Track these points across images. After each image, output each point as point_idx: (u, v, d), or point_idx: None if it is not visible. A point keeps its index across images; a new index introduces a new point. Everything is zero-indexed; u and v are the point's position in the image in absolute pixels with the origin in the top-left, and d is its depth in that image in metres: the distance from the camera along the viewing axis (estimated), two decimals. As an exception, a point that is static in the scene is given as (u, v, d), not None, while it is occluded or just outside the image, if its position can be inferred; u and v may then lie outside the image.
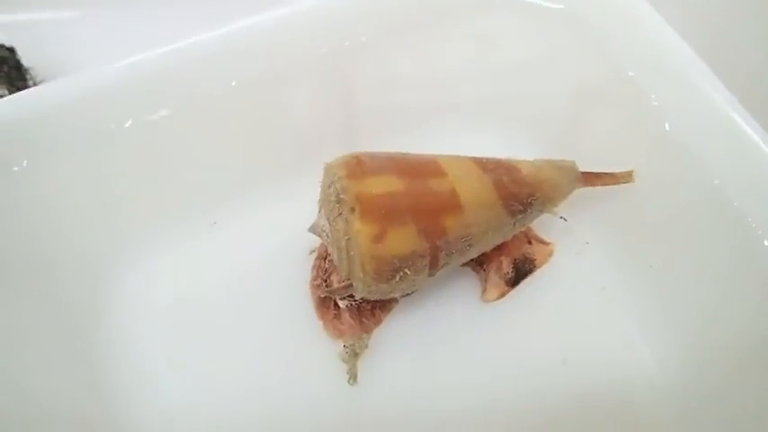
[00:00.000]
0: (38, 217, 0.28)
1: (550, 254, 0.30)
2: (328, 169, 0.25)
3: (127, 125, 0.28)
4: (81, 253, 0.29)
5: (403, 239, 0.23)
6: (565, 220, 0.29)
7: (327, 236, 0.25)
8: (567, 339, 0.28)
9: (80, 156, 0.28)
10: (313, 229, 0.26)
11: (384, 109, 0.32)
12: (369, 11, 0.30)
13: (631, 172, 0.28)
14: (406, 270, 0.24)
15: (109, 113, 0.28)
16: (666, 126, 0.27)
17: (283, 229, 0.30)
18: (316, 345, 0.28)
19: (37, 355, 0.26)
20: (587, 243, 0.30)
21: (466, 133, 0.31)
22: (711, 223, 0.25)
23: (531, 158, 0.28)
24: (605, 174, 0.28)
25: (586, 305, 0.29)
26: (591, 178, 0.28)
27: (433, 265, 0.25)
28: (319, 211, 0.26)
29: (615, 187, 0.29)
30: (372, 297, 0.25)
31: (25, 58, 0.38)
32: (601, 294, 0.29)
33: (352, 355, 0.27)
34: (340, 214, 0.24)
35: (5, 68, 0.37)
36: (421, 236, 0.24)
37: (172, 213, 0.31)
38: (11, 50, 0.38)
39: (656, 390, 0.27)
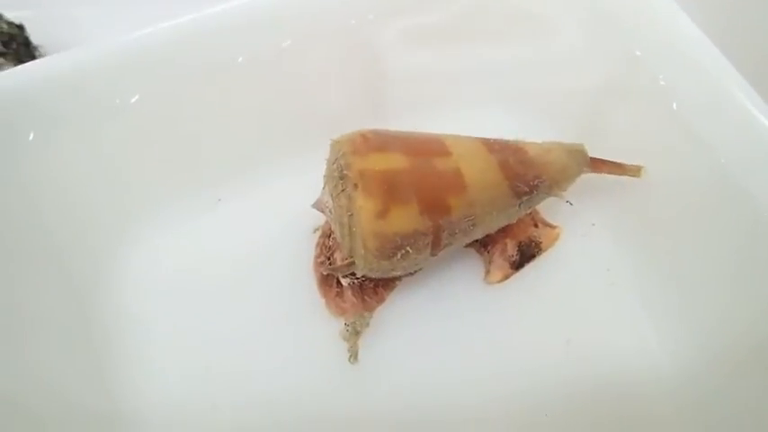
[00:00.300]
0: (42, 190, 0.28)
1: (556, 237, 0.30)
2: (334, 145, 0.25)
3: (133, 100, 0.28)
4: (84, 228, 0.29)
5: (405, 217, 0.23)
6: (571, 204, 0.29)
7: (330, 212, 0.25)
8: (571, 320, 0.28)
9: (86, 130, 0.28)
10: (317, 205, 0.26)
11: (395, 89, 0.32)
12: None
13: (640, 168, 0.28)
14: (408, 248, 0.24)
15: (115, 88, 0.28)
16: (674, 106, 0.26)
17: (288, 206, 0.30)
18: (318, 323, 0.28)
19: (36, 331, 0.26)
20: (593, 225, 0.30)
21: (472, 109, 0.31)
22: (718, 205, 0.25)
23: (540, 141, 0.27)
24: (614, 162, 0.28)
25: (591, 287, 0.29)
26: (599, 165, 0.28)
27: (436, 245, 0.25)
28: (324, 188, 0.26)
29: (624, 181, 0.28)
30: (374, 275, 0.25)
31: (34, 36, 0.38)
32: (605, 276, 0.29)
33: (354, 333, 0.27)
34: (343, 190, 0.24)
35: (14, 45, 0.37)
36: (424, 214, 0.24)
37: (176, 190, 0.30)
38: (20, 27, 0.38)
39: (658, 371, 0.27)
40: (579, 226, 0.30)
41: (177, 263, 0.30)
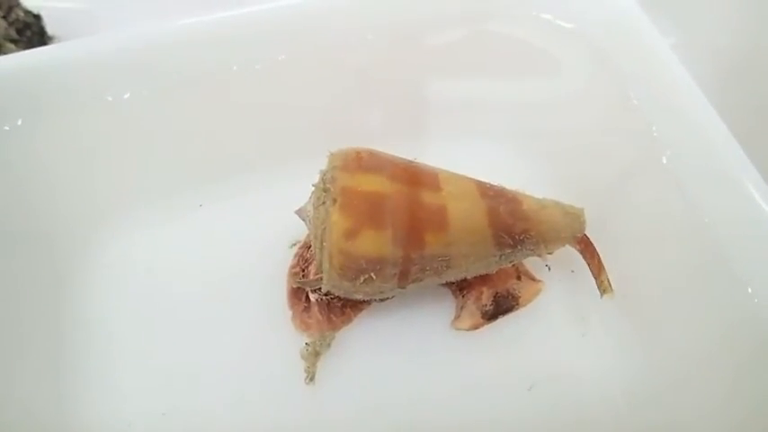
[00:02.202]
0: (24, 176, 0.28)
1: (537, 293, 0.28)
2: (329, 157, 0.25)
3: (125, 97, 0.29)
4: (61, 220, 0.29)
5: (375, 242, 0.23)
6: (549, 269, 0.28)
7: (310, 222, 0.25)
8: (538, 366, 0.27)
9: (75, 122, 0.28)
10: (299, 212, 0.26)
11: (387, 111, 0.32)
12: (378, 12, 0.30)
13: (611, 292, 0.26)
14: (372, 274, 0.23)
15: (107, 84, 0.28)
16: (664, 160, 0.26)
17: (268, 217, 0.30)
18: (283, 339, 0.27)
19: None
20: (572, 271, 0.29)
21: (461, 140, 0.31)
22: (698, 263, 0.25)
23: (540, 195, 0.27)
24: (599, 260, 0.27)
25: (562, 334, 0.28)
26: (587, 247, 0.27)
27: (404, 277, 0.24)
28: (310, 196, 0.26)
29: (604, 216, 0.28)
30: (337, 293, 0.25)
31: (51, 26, 0.39)
32: (579, 324, 0.28)
33: (313, 354, 0.27)
34: (324, 203, 0.24)
35: (28, 33, 0.37)
36: (396, 243, 0.23)
37: (158, 192, 0.31)
38: (37, 17, 0.39)
39: (619, 420, 0.26)
40: (558, 272, 0.29)
41: (149, 265, 0.30)
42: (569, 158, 0.31)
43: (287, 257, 0.29)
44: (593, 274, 0.27)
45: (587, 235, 0.27)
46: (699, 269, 0.25)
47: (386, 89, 0.32)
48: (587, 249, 0.27)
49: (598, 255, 0.27)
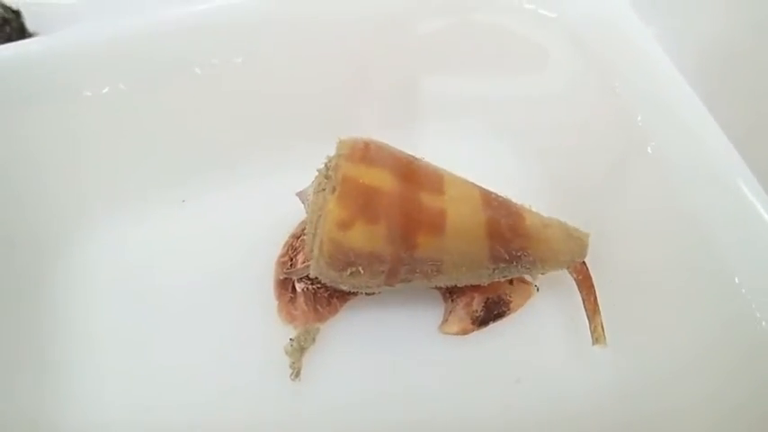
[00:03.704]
0: (2, 174, 0.28)
1: (529, 296, 0.28)
2: (338, 144, 0.25)
3: (105, 91, 0.28)
4: (41, 218, 0.29)
5: (367, 236, 0.23)
6: (537, 289, 0.28)
7: (308, 207, 0.25)
8: (524, 359, 0.27)
9: (53, 117, 0.28)
10: (300, 195, 0.26)
11: (375, 104, 0.32)
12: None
13: (604, 340, 0.25)
14: (360, 268, 0.23)
15: (90, 76, 0.28)
16: (649, 150, 0.26)
17: (252, 213, 0.29)
18: (269, 334, 0.27)
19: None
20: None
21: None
22: (685, 255, 0.25)
23: (546, 214, 0.26)
24: (595, 298, 0.26)
25: (550, 330, 0.28)
26: (584, 278, 0.26)
27: (392, 276, 0.24)
28: (313, 180, 0.26)
29: (590, 208, 0.28)
30: (324, 281, 0.24)
31: (32, 23, 0.38)
32: (567, 324, 0.27)
33: (297, 350, 0.26)
34: (323, 189, 0.24)
35: (7, 29, 0.37)
36: (388, 241, 0.23)
37: (140, 186, 0.30)
38: (16, 13, 0.38)
39: (608, 411, 0.26)
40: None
41: (132, 261, 0.29)
42: (552, 148, 0.31)
43: (271, 253, 0.29)
44: (587, 314, 0.26)
45: (587, 265, 0.26)
46: (685, 260, 0.25)
47: (372, 81, 0.31)
48: (584, 281, 0.26)
49: (595, 292, 0.26)
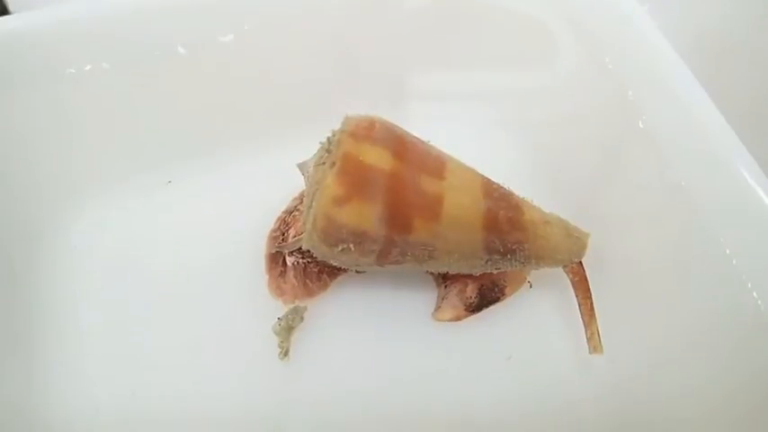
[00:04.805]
0: None
1: (523, 282, 0.28)
2: (344, 119, 0.25)
3: (87, 69, 0.28)
4: (25, 200, 0.28)
5: (361, 215, 0.23)
6: (530, 285, 0.27)
7: (307, 179, 0.25)
8: (514, 337, 0.27)
9: (34, 95, 0.28)
10: (301, 166, 0.26)
11: (367, 89, 0.31)
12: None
13: (600, 350, 0.25)
14: (351, 245, 0.23)
15: (72, 54, 0.28)
16: (640, 124, 0.26)
17: (239, 193, 0.29)
18: (257, 315, 0.27)
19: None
20: None
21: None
22: (678, 229, 0.24)
23: (548, 209, 0.26)
24: (592, 304, 0.25)
25: (540, 307, 0.28)
26: (581, 280, 0.25)
27: (383, 256, 0.24)
28: (316, 152, 0.26)
29: (580, 182, 0.28)
30: (315, 254, 0.25)
31: (15, 5, 0.37)
32: (558, 301, 0.28)
33: (285, 329, 0.26)
34: (323, 163, 0.24)
35: None
36: (381, 222, 0.23)
37: (126, 166, 0.30)
38: None
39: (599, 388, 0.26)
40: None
41: (117, 244, 0.29)
42: (543, 124, 0.31)
43: (257, 234, 0.29)
44: (583, 321, 0.25)
45: (584, 267, 0.25)
46: (678, 234, 0.24)
47: (362, 63, 0.31)
48: (581, 284, 0.25)
49: (591, 297, 0.25)
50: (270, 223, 0.29)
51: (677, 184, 0.24)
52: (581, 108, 0.30)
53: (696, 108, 0.25)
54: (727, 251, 0.22)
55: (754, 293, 0.21)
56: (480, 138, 0.31)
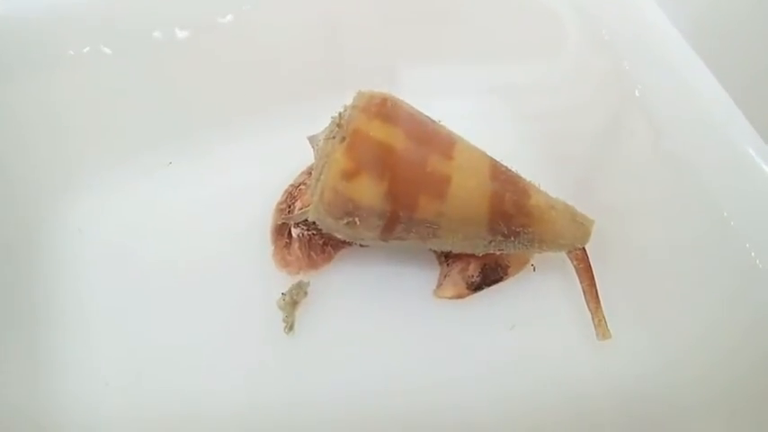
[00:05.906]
0: None
1: (526, 262, 0.28)
2: (356, 95, 0.25)
3: (85, 51, 0.28)
4: (24, 183, 0.28)
5: (368, 190, 0.23)
6: (534, 269, 0.28)
7: (317, 152, 0.25)
8: (519, 308, 0.28)
9: (33, 78, 0.28)
10: (311, 139, 0.26)
11: (364, 73, 0.30)
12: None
13: (608, 334, 0.25)
14: (357, 219, 0.23)
15: (69, 39, 0.28)
16: (636, 93, 0.27)
17: (239, 173, 0.29)
18: (261, 291, 0.27)
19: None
20: None
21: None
22: (676, 197, 0.25)
23: (554, 194, 0.26)
24: (596, 289, 0.25)
25: (545, 284, 0.28)
26: (585, 267, 0.25)
27: (387, 231, 0.24)
28: (327, 126, 0.26)
29: (577, 156, 0.29)
30: (320, 226, 0.25)
31: None
32: (561, 280, 0.28)
33: (290, 303, 0.27)
34: (333, 137, 0.24)
35: None
36: (388, 198, 0.23)
37: (125, 149, 0.30)
38: None
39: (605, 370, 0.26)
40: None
41: (120, 225, 0.29)
42: (541, 99, 0.32)
43: (260, 213, 0.29)
44: (588, 308, 0.25)
45: (587, 253, 0.26)
46: (676, 199, 0.25)
47: (359, 40, 0.31)
48: (585, 272, 0.26)
49: (595, 284, 0.25)
50: (270, 202, 0.29)
51: (670, 148, 0.25)
52: (578, 83, 0.30)
53: (689, 73, 0.25)
54: (724, 212, 0.23)
55: (757, 261, 0.21)
56: (476, 109, 0.32)
